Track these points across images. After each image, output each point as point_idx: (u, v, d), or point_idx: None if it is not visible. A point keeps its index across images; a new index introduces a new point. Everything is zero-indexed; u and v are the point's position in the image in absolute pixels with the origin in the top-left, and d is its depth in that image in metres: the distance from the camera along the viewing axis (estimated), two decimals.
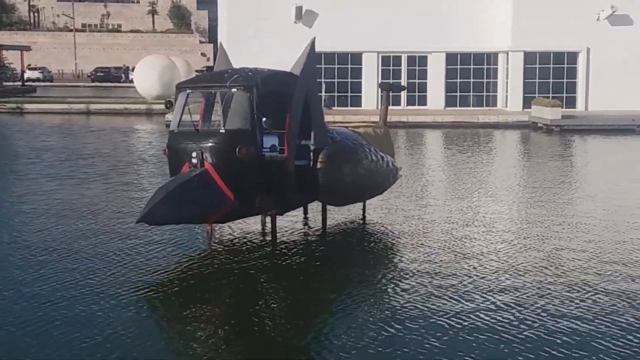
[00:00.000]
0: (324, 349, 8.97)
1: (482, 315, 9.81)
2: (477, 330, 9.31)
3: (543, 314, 9.93)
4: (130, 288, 11.08)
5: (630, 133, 36.72)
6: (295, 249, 13.52)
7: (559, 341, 8.97)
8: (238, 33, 44.68)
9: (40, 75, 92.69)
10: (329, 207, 15.00)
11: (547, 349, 8.74)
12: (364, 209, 15.97)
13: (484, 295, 10.69)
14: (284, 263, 12.73)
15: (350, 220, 15.79)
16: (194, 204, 12.36)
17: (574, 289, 11.01)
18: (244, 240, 14.00)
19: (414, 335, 9.14)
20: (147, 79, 53.41)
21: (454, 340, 9.01)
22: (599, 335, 9.18)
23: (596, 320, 9.70)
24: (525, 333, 9.22)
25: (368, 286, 11.35)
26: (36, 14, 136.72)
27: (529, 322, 9.59)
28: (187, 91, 13.55)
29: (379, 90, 21.54)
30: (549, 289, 11.00)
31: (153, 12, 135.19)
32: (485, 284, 11.24)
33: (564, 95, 45.16)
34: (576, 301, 10.46)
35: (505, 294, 10.75)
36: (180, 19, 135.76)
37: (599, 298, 10.58)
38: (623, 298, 10.61)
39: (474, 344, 8.87)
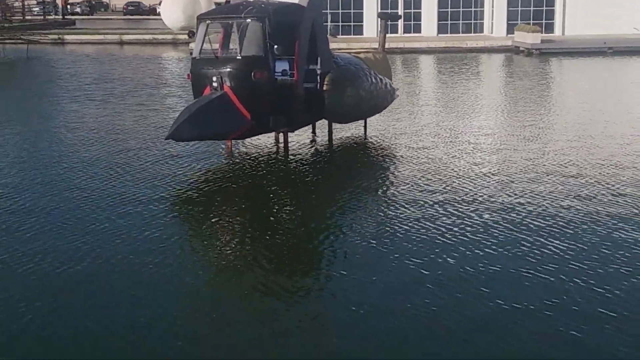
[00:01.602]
0: (333, 243, 9.00)
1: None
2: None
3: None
4: (158, 194, 11.10)
5: (602, 55, 36.22)
6: (305, 162, 13.49)
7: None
8: None
9: (78, 9, 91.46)
10: (334, 124, 14.91)
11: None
12: (365, 126, 15.85)
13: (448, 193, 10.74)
14: (295, 174, 12.73)
15: (353, 136, 15.70)
16: (216, 123, 12.32)
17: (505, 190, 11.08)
18: (260, 154, 13.96)
19: (414, 231, 9.19)
20: (172, 11, 52.62)
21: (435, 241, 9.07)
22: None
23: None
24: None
25: (370, 193, 11.35)
26: None
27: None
28: (207, 22, 13.38)
29: (378, 19, 21.12)
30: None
31: None
32: (447, 186, 11.28)
33: (543, 21, 44.39)
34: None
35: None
36: None
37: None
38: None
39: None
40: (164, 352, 6.32)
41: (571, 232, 9.20)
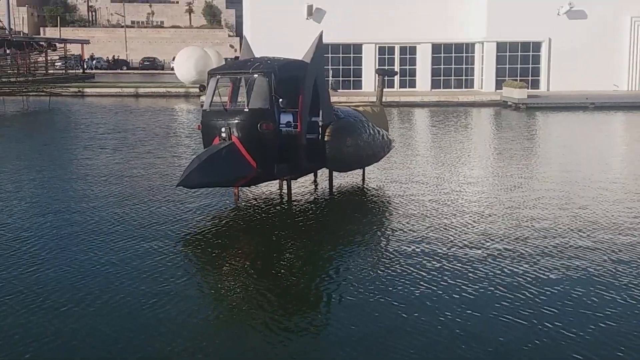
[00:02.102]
0: (329, 285, 8.92)
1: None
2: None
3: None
4: (168, 238, 11.03)
5: (584, 109, 36.50)
6: (306, 207, 13.48)
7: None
8: (259, 28, 44.36)
9: (97, 64, 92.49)
10: (334, 173, 14.93)
11: None
12: (363, 175, 15.89)
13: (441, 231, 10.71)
14: (297, 218, 12.70)
15: (352, 184, 15.72)
16: (224, 171, 12.33)
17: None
18: (265, 200, 13.96)
19: (401, 274, 9.14)
20: (185, 66, 53.22)
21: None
22: None
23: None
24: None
25: (365, 237, 11.29)
26: (94, 13, 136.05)
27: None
28: (217, 77, 13.46)
29: (376, 75, 21.34)
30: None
31: (190, 11, 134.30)
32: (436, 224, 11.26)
33: (530, 78, 44.87)
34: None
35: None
36: (212, 17, 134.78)
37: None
38: None
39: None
40: None
41: (548, 275, 9.18)
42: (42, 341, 7.16)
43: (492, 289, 8.67)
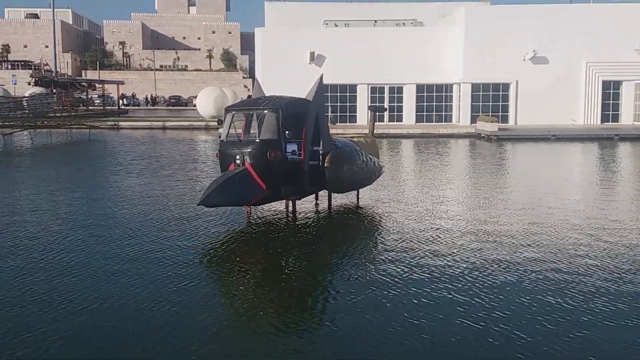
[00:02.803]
0: (330, 290, 8.95)
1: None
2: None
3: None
4: (182, 249, 11.01)
5: (546, 140, 36.61)
6: (309, 224, 13.52)
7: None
8: (269, 71, 44.67)
9: (130, 102, 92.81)
10: (333, 194, 14.98)
11: None
12: (357, 195, 15.95)
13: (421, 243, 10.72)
14: (301, 234, 12.74)
15: (348, 203, 15.76)
16: (238, 192, 12.38)
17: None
18: (273, 218, 13.99)
19: (393, 278, 9.15)
20: (205, 104, 53.55)
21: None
22: None
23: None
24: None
25: (361, 248, 11.34)
26: (128, 58, 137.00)
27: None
28: (233, 112, 13.57)
29: (368, 111, 21.48)
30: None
31: (210, 57, 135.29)
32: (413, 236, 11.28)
33: (500, 113, 45.05)
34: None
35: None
36: (229, 61, 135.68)
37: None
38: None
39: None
40: None
41: (499, 283, 9.14)
42: (60, 336, 7.19)
43: (450, 295, 8.63)
